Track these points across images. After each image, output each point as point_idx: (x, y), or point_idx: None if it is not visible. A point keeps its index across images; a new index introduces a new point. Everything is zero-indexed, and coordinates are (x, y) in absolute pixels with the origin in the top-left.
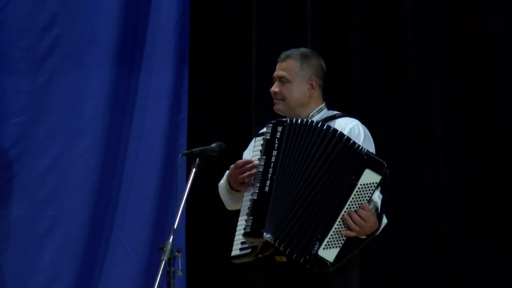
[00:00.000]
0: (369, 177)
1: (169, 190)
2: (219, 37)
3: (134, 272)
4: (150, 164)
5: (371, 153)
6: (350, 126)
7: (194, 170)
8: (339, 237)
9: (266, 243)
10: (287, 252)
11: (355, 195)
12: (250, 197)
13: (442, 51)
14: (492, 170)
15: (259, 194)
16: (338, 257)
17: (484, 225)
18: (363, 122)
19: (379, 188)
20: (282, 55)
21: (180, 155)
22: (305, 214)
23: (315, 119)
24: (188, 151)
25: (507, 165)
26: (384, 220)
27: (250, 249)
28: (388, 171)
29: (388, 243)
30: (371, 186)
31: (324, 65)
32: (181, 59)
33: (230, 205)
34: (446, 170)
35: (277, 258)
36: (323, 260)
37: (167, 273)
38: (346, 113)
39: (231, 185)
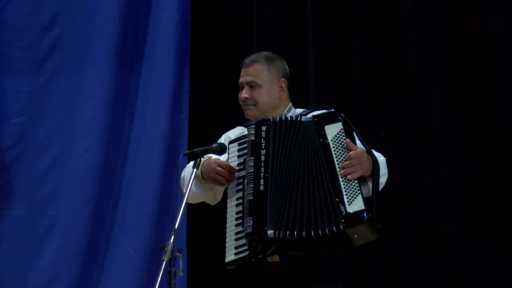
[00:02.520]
0: (332, 129)
1: (169, 190)
2: (220, 37)
3: (135, 272)
4: (150, 164)
5: (316, 113)
6: None
7: (195, 170)
8: (352, 188)
9: (268, 241)
10: (308, 235)
11: (334, 150)
12: (236, 202)
13: (442, 51)
14: (492, 170)
15: (254, 194)
16: (366, 202)
17: (484, 225)
18: (364, 121)
19: (352, 131)
20: (247, 61)
21: (181, 155)
22: (306, 196)
23: None
24: (189, 151)
25: (507, 165)
26: (381, 157)
27: (247, 252)
28: (342, 114)
29: (388, 243)
30: (341, 134)
31: (287, 66)
32: (181, 59)
33: (191, 192)
34: (446, 170)
35: (269, 259)
36: (357, 212)
37: (168, 273)
38: (345, 112)
39: (202, 173)
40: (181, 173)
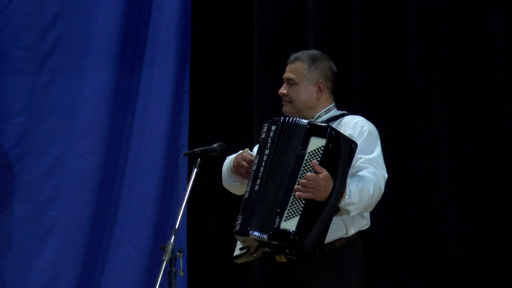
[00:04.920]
0: (316, 143)
1: (170, 190)
2: (221, 37)
3: (136, 272)
4: (151, 165)
5: (313, 121)
6: (354, 121)
7: (195, 170)
8: (297, 207)
9: (255, 241)
10: (259, 238)
11: (305, 163)
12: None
13: (444, 50)
14: (494, 170)
15: (250, 193)
16: (301, 225)
17: (486, 225)
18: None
19: (338, 153)
20: (292, 57)
21: (182, 155)
22: (268, 197)
23: (321, 119)
24: (190, 151)
25: (509, 165)
26: (354, 188)
27: (246, 249)
28: (333, 132)
29: (389, 243)
30: (319, 151)
31: (334, 67)
32: (182, 59)
33: (226, 181)
34: (448, 169)
35: (277, 258)
36: (285, 231)
37: (168, 273)
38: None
39: (234, 166)
40: (182, 173)
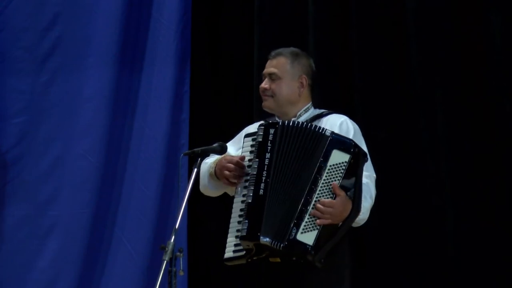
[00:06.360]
0: (338, 157)
1: (170, 190)
2: (221, 37)
3: (136, 272)
4: (151, 164)
5: (337, 133)
6: (340, 121)
7: (195, 170)
8: (314, 221)
9: (262, 246)
10: (272, 245)
11: (326, 177)
12: (242, 199)
13: (444, 50)
14: (493, 170)
15: (253, 197)
16: (318, 240)
17: (486, 225)
18: (365, 120)
19: (356, 168)
20: (273, 53)
21: (182, 155)
22: (285, 206)
23: (302, 118)
24: (190, 151)
25: (509, 165)
26: (366, 204)
27: (244, 252)
28: (356, 149)
29: (388, 243)
30: (341, 166)
31: (313, 65)
32: (182, 59)
33: (205, 188)
34: (448, 169)
35: (271, 259)
36: (302, 244)
37: (168, 273)
38: (346, 111)
39: (216, 171)
40: (182, 173)
